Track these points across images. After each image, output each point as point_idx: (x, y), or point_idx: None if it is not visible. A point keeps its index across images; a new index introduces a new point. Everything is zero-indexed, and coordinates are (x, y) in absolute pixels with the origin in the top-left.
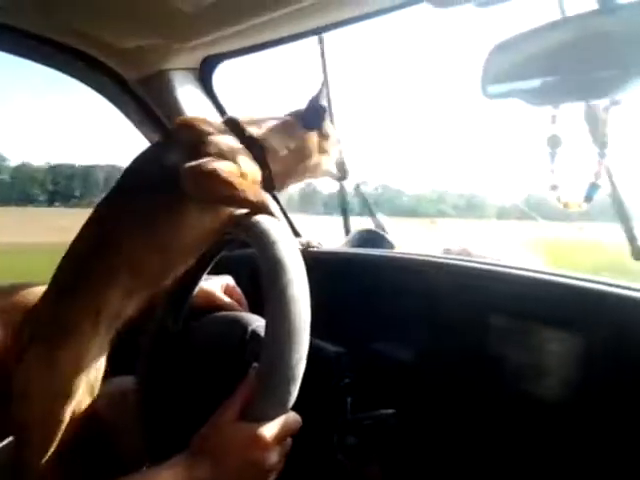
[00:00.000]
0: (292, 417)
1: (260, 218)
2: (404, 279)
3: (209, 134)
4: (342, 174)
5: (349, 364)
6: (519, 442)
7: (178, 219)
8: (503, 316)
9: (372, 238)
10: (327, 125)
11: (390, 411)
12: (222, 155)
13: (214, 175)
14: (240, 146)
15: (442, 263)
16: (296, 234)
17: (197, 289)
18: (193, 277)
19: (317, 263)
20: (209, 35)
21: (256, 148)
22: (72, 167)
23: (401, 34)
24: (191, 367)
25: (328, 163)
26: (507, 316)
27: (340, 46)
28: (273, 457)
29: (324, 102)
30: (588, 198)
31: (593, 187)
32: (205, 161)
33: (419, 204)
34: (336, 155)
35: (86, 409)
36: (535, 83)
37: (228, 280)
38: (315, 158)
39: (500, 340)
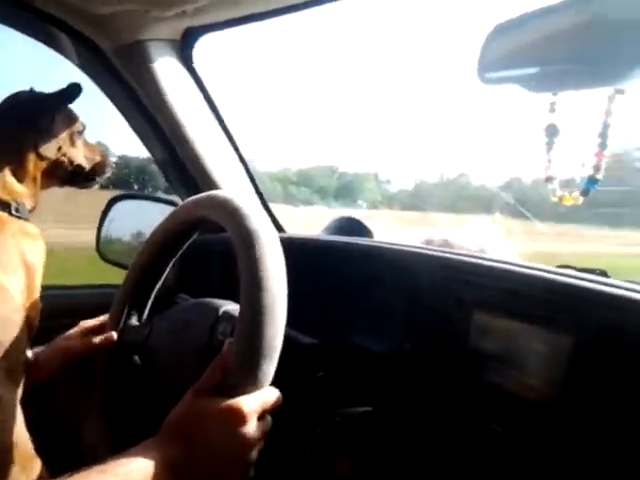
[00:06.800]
0: (271, 391)
1: (228, 196)
2: (382, 269)
3: None
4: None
5: (323, 356)
6: (498, 440)
7: None
8: (485, 310)
9: (350, 226)
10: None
11: (366, 409)
12: None
13: None
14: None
15: (422, 254)
16: (278, 228)
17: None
18: (159, 266)
19: (292, 250)
20: (191, 4)
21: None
22: None
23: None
24: (158, 357)
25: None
26: (489, 310)
27: None
28: (252, 431)
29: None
30: (585, 192)
31: (591, 180)
32: None
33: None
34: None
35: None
36: (533, 70)
37: (83, 324)
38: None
39: (481, 335)
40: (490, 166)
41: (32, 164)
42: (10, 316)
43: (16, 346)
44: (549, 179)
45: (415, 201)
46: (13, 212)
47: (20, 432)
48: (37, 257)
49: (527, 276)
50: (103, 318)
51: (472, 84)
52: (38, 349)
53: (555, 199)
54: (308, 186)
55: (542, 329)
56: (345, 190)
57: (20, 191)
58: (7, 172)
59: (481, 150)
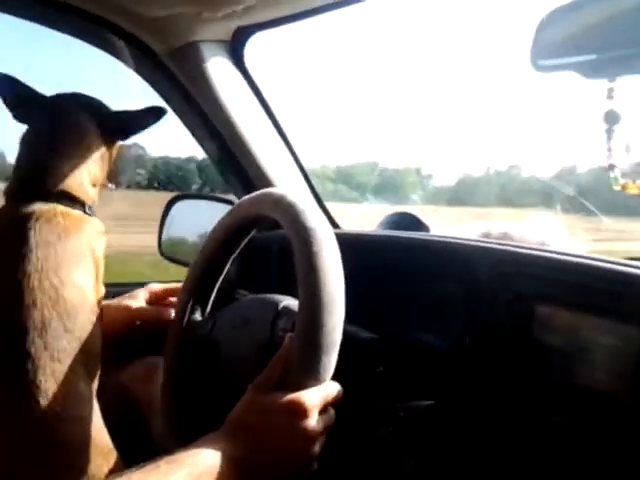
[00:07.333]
0: (332, 385)
1: (283, 192)
2: (441, 263)
3: None
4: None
5: (383, 351)
6: (563, 436)
7: None
8: (547, 303)
9: (406, 221)
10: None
11: (428, 402)
12: None
13: None
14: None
15: (481, 247)
16: (333, 224)
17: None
18: (220, 262)
19: (348, 246)
20: (240, 4)
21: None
22: None
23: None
24: (221, 351)
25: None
26: (551, 303)
27: None
28: (314, 425)
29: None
30: None
31: None
32: None
33: None
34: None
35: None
36: (591, 55)
37: (150, 287)
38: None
39: (544, 328)
40: (542, 156)
41: (106, 172)
42: (89, 316)
43: (92, 341)
44: (611, 167)
45: (461, 196)
46: (87, 210)
47: (98, 424)
48: (102, 251)
49: (591, 267)
50: (170, 286)
51: (515, 71)
52: (104, 302)
53: (618, 188)
54: (347, 183)
55: (607, 321)
56: (386, 186)
57: (92, 196)
58: (86, 176)
59: (531, 140)
